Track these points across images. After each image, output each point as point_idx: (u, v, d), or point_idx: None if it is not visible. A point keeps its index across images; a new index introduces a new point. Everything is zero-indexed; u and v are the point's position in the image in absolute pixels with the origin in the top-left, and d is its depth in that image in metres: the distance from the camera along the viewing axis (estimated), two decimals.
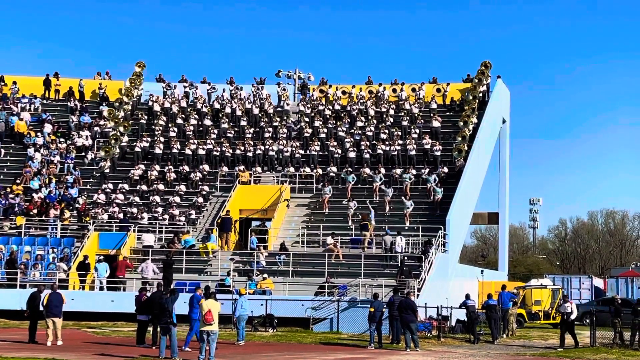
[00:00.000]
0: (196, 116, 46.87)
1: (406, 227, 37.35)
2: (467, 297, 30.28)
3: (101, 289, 33.83)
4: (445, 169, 41.40)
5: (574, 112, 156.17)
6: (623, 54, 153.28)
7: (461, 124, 43.84)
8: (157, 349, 22.13)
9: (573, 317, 27.17)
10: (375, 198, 39.75)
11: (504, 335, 30.77)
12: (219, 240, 36.99)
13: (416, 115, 46.14)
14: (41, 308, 25.01)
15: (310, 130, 45.22)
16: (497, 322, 29.36)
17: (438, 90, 48.56)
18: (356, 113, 46.72)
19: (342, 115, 46.88)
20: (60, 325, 24.74)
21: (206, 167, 43.08)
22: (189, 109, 47.59)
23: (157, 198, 40.68)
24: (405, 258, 34.02)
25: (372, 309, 26.16)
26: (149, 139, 44.85)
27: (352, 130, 45.04)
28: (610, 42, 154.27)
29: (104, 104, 48.24)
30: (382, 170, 41.34)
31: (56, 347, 23.80)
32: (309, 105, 47.59)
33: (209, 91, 49.60)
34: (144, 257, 35.63)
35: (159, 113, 47.33)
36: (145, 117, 47.06)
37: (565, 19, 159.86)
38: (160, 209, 39.85)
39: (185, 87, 49.60)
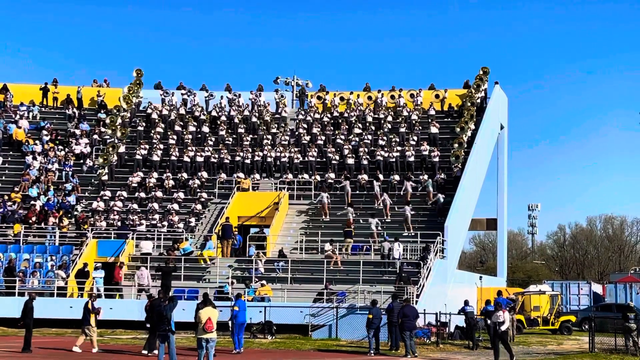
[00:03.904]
0: (194, 123, 46.87)
1: (406, 234, 37.30)
2: (466, 303, 30.30)
3: (99, 296, 33.77)
4: (444, 175, 41.42)
5: (572, 117, 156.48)
6: (618, 57, 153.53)
7: (458, 130, 43.90)
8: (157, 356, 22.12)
9: (504, 327, 23.51)
10: (376, 205, 39.74)
11: None
12: (220, 248, 36.91)
13: (414, 121, 46.13)
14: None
15: (308, 137, 45.24)
16: None
17: (436, 96, 48.59)
18: (354, 120, 46.73)
19: (340, 121, 46.89)
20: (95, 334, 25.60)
21: (204, 174, 43.06)
22: (187, 116, 47.60)
23: (156, 205, 40.64)
24: (404, 264, 34.00)
25: (370, 316, 26.16)
26: (147, 146, 44.85)
27: (350, 137, 45.05)
28: (607, 46, 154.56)
29: (102, 112, 48.28)
30: (381, 177, 41.34)
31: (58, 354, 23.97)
32: (310, 113, 47.60)
33: (207, 98, 49.61)
34: (142, 264, 35.62)
35: (157, 120, 47.34)
36: (144, 124, 47.09)
37: (562, 24, 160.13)
38: (158, 216, 39.83)
39: (183, 94, 49.61)
